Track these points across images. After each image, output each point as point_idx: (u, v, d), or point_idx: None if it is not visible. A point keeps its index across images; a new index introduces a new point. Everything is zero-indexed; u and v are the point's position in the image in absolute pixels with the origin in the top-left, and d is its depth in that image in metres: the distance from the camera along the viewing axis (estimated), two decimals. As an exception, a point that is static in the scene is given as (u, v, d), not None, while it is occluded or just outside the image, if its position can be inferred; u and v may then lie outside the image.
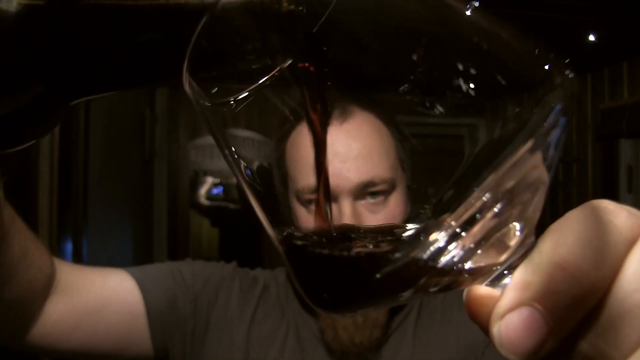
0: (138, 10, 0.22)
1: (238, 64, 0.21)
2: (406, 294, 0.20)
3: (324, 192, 0.23)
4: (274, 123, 0.24)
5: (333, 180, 0.53)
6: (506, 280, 0.20)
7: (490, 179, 0.18)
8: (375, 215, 0.56)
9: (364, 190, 0.55)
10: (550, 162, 0.20)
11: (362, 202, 0.55)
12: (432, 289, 0.20)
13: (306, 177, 0.54)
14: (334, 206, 0.55)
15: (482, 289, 0.21)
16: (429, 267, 0.19)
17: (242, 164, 0.23)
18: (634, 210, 0.20)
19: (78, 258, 1.60)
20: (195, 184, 3.84)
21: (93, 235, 1.82)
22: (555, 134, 0.19)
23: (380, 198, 0.56)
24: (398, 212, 0.55)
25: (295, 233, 0.24)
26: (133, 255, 2.68)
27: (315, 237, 0.24)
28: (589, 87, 3.16)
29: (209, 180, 3.91)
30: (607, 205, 0.20)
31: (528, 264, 0.19)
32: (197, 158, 3.75)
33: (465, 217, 0.18)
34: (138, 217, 2.97)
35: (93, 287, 0.65)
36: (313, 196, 0.55)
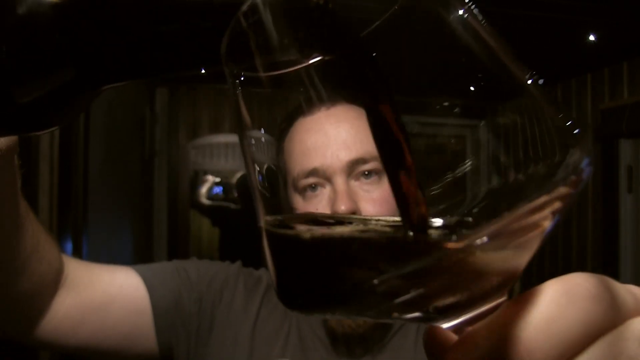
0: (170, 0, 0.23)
1: (267, 56, 0.21)
2: (368, 310, 0.19)
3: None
4: (277, 122, 0.24)
5: (325, 161, 0.54)
6: (470, 330, 0.20)
7: (495, 225, 0.17)
8: (370, 194, 0.56)
9: (356, 169, 0.55)
10: (550, 228, 0.19)
11: (357, 182, 0.56)
12: (397, 314, 0.19)
13: (300, 164, 0.54)
14: (329, 187, 0.55)
15: (441, 330, 0.21)
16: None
17: (256, 168, 0.22)
18: (620, 300, 0.19)
19: (78, 258, 1.60)
20: (195, 184, 3.84)
21: (93, 235, 1.82)
22: (559, 207, 0.19)
23: (374, 178, 0.56)
24: None
25: (282, 218, 0.22)
26: (133, 255, 2.68)
27: (303, 220, 0.23)
28: (589, 87, 3.15)
29: (210, 178, 3.91)
30: (589, 289, 0.18)
31: (484, 326, 0.19)
32: (197, 158, 3.75)
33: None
34: (138, 217, 2.97)
35: (100, 283, 0.65)
36: (308, 181, 0.56)
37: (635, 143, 2.95)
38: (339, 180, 0.54)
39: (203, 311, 0.73)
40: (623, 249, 2.92)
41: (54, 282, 0.59)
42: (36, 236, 0.53)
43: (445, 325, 0.20)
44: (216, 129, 3.73)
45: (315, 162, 0.54)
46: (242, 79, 0.22)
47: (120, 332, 0.66)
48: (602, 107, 3.03)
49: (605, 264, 2.96)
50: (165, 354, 0.70)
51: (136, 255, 2.74)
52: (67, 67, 0.24)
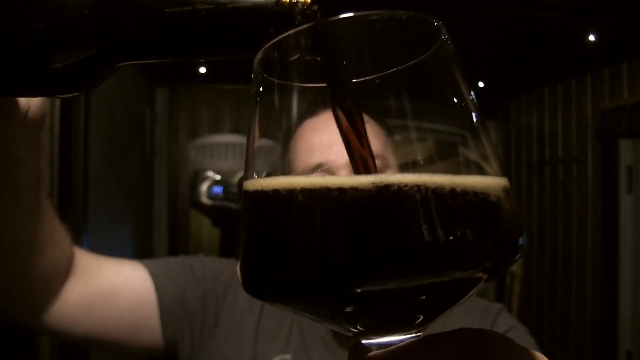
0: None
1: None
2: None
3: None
4: (281, 127, 0.26)
5: (330, 157, 0.54)
6: (376, 351, 0.24)
7: None
8: None
9: None
10: None
11: None
12: (326, 319, 0.24)
13: (305, 160, 0.55)
14: None
15: (360, 344, 0.25)
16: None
17: (254, 176, 0.25)
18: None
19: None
20: (195, 183, 3.84)
21: (93, 234, 1.82)
22: None
23: None
24: None
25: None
26: (133, 255, 2.69)
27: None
28: (589, 87, 3.16)
29: (210, 175, 3.91)
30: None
31: (380, 354, 0.23)
32: (197, 158, 3.75)
33: None
34: (138, 216, 2.97)
35: (108, 273, 0.67)
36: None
37: (635, 143, 2.95)
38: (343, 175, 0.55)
39: (207, 307, 0.74)
40: (623, 249, 2.92)
41: (66, 269, 0.60)
42: (53, 222, 0.55)
43: (365, 341, 0.25)
44: (216, 129, 3.73)
45: (320, 157, 0.55)
46: (264, 86, 0.25)
47: (125, 323, 0.67)
48: (602, 107, 3.03)
49: (605, 264, 2.96)
50: (170, 347, 0.71)
51: (136, 255, 2.74)
52: (90, 44, 0.29)
